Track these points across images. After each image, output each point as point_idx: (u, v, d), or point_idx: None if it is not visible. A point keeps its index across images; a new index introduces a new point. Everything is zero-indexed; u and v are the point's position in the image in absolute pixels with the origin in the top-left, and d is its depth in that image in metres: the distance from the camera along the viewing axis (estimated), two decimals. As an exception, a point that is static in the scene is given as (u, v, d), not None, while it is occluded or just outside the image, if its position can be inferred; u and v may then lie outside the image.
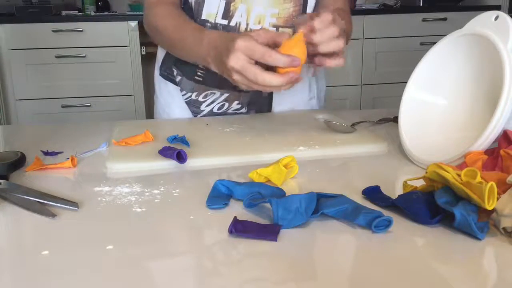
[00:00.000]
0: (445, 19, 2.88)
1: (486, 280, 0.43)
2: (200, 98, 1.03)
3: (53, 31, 2.64)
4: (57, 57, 2.68)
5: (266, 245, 0.48)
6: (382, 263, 0.45)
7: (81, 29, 2.67)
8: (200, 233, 0.51)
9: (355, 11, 2.87)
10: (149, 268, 0.44)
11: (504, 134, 0.63)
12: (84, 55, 2.70)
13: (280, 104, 1.05)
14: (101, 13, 2.92)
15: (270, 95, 1.05)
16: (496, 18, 0.67)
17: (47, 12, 2.72)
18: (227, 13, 0.96)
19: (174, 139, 0.79)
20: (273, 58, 0.70)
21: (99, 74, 2.74)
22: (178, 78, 1.04)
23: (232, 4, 0.95)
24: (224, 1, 0.95)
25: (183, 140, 0.78)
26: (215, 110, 1.03)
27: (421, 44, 2.85)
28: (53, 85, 2.71)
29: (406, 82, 0.78)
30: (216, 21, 0.96)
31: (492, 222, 0.50)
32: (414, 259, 0.45)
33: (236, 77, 0.74)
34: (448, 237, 0.49)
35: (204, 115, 1.04)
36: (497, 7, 2.92)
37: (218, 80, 0.97)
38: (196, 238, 0.50)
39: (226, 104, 1.03)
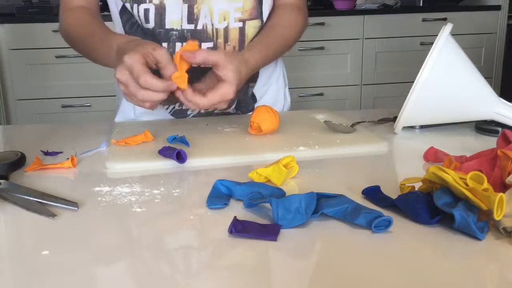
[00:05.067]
0: (445, 19, 2.88)
1: (486, 280, 0.43)
2: None
3: (53, 31, 2.64)
4: (57, 57, 2.67)
5: (266, 245, 0.48)
6: (382, 263, 0.45)
7: (81, 29, 2.67)
8: (200, 233, 0.51)
9: (355, 11, 2.87)
10: (149, 268, 0.44)
11: (503, 134, 0.63)
12: (84, 55, 2.70)
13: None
14: (100, 13, 2.92)
15: (253, 95, 1.04)
16: None
17: (47, 12, 2.72)
18: (192, 17, 0.94)
19: (174, 139, 0.79)
20: (148, 83, 0.72)
21: (99, 74, 2.74)
22: None
23: (195, 6, 0.93)
24: (187, 5, 0.93)
25: (183, 140, 0.78)
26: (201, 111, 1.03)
27: (421, 44, 2.84)
28: (53, 85, 2.71)
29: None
30: (182, 27, 0.94)
31: (492, 222, 0.50)
32: (414, 259, 0.45)
33: (121, 87, 0.76)
34: (448, 237, 0.49)
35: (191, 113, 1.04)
36: (497, 7, 2.92)
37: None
38: (196, 238, 0.50)
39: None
